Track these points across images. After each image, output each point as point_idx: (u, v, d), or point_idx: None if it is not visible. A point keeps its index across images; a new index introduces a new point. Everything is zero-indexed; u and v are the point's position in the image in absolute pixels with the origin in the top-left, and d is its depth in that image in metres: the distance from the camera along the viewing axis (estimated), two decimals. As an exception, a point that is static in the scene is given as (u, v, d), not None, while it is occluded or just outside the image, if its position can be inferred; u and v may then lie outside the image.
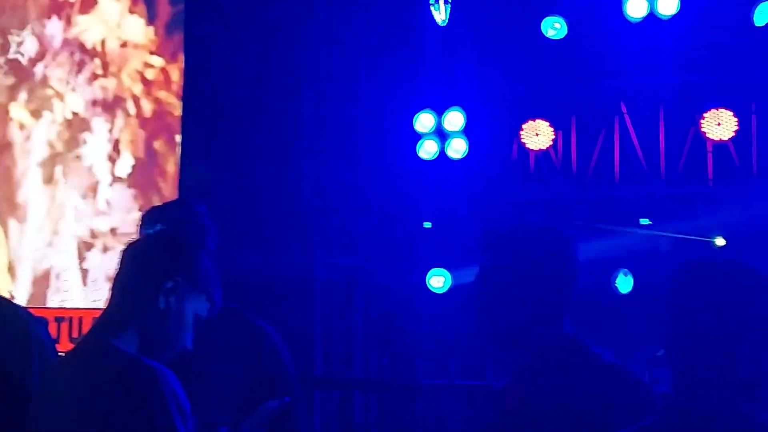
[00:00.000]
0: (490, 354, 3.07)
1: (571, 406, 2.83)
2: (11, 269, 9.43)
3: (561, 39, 8.97)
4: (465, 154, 9.32)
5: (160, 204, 3.88)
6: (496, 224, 3.30)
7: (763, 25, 8.44)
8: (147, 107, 9.57)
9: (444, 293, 8.95)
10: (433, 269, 9.06)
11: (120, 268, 3.03)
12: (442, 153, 9.33)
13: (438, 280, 9.02)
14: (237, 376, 3.59)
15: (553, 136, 9.05)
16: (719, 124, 8.55)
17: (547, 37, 8.95)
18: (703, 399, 2.31)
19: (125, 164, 9.52)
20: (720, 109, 8.59)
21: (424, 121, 9.39)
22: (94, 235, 9.43)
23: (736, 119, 8.56)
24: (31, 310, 3.61)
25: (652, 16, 8.59)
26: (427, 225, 9.56)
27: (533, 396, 2.94)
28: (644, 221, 9.02)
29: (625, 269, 8.75)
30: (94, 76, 9.63)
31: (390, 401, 9.53)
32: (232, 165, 9.18)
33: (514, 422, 2.96)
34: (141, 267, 3.00)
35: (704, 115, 8.61)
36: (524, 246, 3.03)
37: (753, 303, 2.32)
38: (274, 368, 3.68)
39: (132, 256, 3.06)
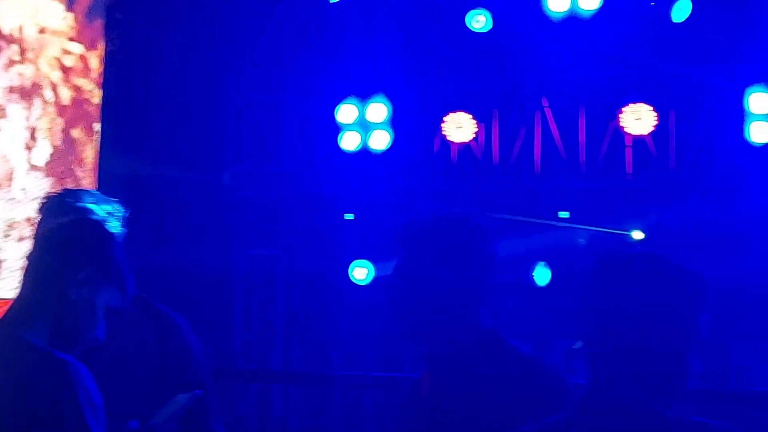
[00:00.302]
0: (407, 346, 3.05)
1: (487, 398, 2.83)
2: (-75, 259, 9.23)
3: (485, 32, 9.02)
4: (388, 146, 9.33)
5: (69, 190, 3.71)
6: (413, 216, 3.29)
7: (682, 21, 8.57)
8: (65, 95, 9.40)
9: (367, 285, 8.97)
10: (355, 261, 9.07)
11: (30, 257, 2.94)
12: (365, 145, 9.33)
13: (361, 272, 9.03)
14: (145, 368, 3.50)
15: (476, 129, 9.09)
16: (638, 119, 8.65)
17: (471, 30, 9.01)
18: (617, 392, 2.30)
19: (42, 152, 9.35)
20: (639, 104, 8.70)
21: (346, 113, 9.38)
22: (9, 224, 9.26)
23: (655, 114, 8.67)
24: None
25: (573, 12, 8.68)
26: (349, 217, 9.56)
27: (449, 388, 2.93)
28: (563, 214, 9.14)
29: (544, 262, 8.84)
30: (11, 63, 9.44)
31: (308, 393, 9.52)
32: (152, 154, 9.08)
33: (429, 414, 2.95)
34: (53, 257, 2.90)
35: (623, 109, 8.71)
36: (440, 238, 3.02)
37: (668, 295, 2.30)
38: (183, 360, 3.57)
39: (43, 245, 2.97)
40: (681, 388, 2.34)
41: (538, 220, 8.99)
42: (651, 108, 8.66)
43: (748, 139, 8.40)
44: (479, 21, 8.95)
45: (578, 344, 2.38)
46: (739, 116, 8.46)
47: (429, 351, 3.02)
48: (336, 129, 9.37)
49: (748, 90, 8.39)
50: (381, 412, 8.15)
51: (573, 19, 8.82)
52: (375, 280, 8.94)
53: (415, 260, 3.00)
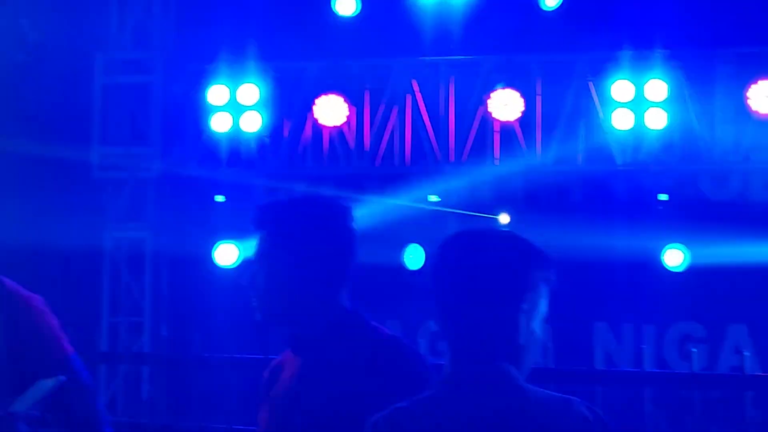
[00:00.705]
0: (269, 328, 3.02)
1: (349, 379, 2.85)
2: None
3: (354, 16, 9.05)
4: (260, 129, 9.28)
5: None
6: (273, 199, 3.28)
7: (551, 9, 8.74)
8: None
9: (236, 267, 8.94)
10: (222, 242, 9.02)
11: None
12: (236, 127, 9.25)
13: (227, 254, 9.02)
14: (1, 354, 3.35)
15: (347, 113, 9.09)
16: (506, 105, 8.77)
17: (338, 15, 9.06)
18: (473, 368, 2.36)
19: None
20: (507, 90, 8.81)
21: (217, 94, 9.28)
22: None
23: (522, 100, 8.79)
24: None
25: (443, -2, 8.80)
26: (220, 199, 9.49)
27: (311, 370, 2.95)
28: (432, 198, 9.24)
29: (416, 244, 8.95)
30: None
31: (175, 375, 9.45)
32: (19, 134, 8.89)
33: (291, 396, 2.96)
34: None
35: (491, 95, 8.81)
36: (300, 220, 3.01)
37: (510, 271, 2.36)
38: (37, 342, 3.42)
39: None
40: (531, 362, 2.42)
41: (409, 204, 9.09)
42: (518, 94, 8.78)
43: (611, 126, 8.63)
44: (346, 4, 9.02)
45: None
46: (603, 103, 8.72)
47: (290, 333, 3.02)
48: (208, 111, 9.29)
49: (612, 78, 8.62)
50: (246, 393, 8.15)
51: (443, 3, 8.92)
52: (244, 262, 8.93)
53: (273, 242, 3.00)
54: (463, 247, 2.44)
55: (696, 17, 8.63)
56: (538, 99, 8.96)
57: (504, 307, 2.37)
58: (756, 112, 8.41)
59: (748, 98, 8.42)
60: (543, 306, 2.41)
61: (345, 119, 9.14)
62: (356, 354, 2.90)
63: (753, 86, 8.39)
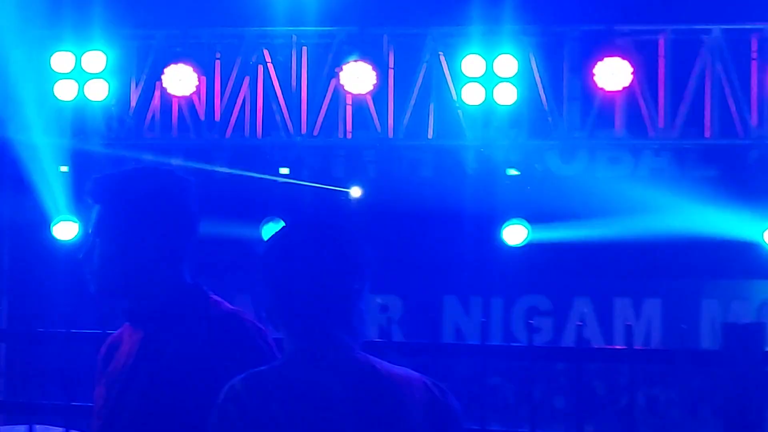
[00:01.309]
0: (105, 302, 3.01)
1: (189, 354, 2.86)
2: None
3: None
4: (107, 97, 9.08)
5: None
6: (110, 170, 3.27)
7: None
8: None
9: (75, 241, 8.80)
10: (61, 215, 8.82)
11: None
12: (82, 95, 9.04)
13: (68, 228, 8.86)
14: None
15: (197, 82, 8.99)
16: (358, 78, 8.75)
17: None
18: (317, 339, 2.54)
19: None
20: (359, 62, 8.79)
21: (61, 61, 9.05)
22: None
23: (374, 73, 8.78)
24: None
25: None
26: (64, 169, 9.28)
27: (150, 345, 2.93)
28: (283, 171, 9.25)
29: (274, 217, 8.95)
30: None
31: (14, 350, 9.40)
32: None
33: (130, 372, 2.94)
34: None
35: (344, 68, 8.78)
36: (137, 192, 2.98)
37: (340, 256, 2.57)
38: None
39: None
40: (364, 336, 2.61)
41: (262, 176, 9.08)
42: (371, 67, 8.78)
43: (461, 100, 8.74)
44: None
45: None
46: (454, 78, 8.80)
47: (128, 307, 3.00)
48: (52, 78, 9.08)
49: (463, 52, 8.70)
50: (85, 369, 8.05)
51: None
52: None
53: (109, 215, 2.96)
54: (296, 237, 2.62)
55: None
56: (391, 72, 9.01)
57: (338, 288, 2.58)
58: (601, 89, 8.61)
59: (593, 75, 8.60)
60: (367, 289, 2.62)
61: (194, 89, 9.02)
62: (196, 328, 2.91)
63: (599, 63, 8.57)
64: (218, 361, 2.84)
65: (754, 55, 8.67)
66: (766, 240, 8.76)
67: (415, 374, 2.63)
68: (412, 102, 8.96)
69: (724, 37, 8.59)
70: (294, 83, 9.14)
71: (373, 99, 8.98)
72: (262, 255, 2.65)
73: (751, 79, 8.71)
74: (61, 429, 5.98)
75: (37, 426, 6.83)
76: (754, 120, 8.62)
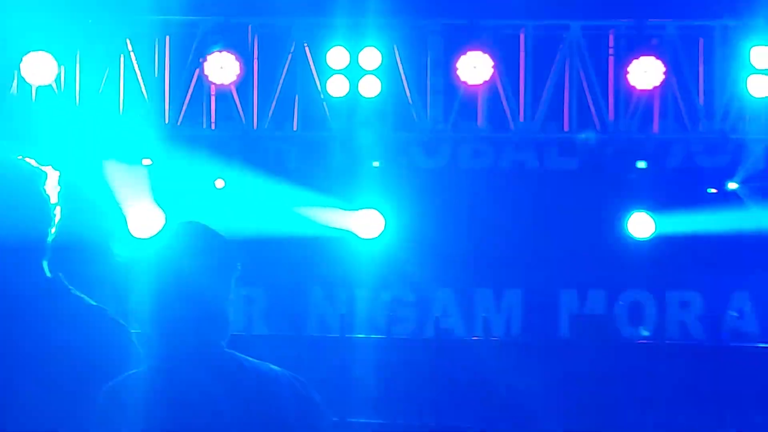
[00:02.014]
0: None
1: (51, 349, 2.89)
2: None
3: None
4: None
5: None
6: None
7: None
8: None
9: None
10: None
11: None
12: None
13: None
14: None
15: (56, 71, 8.79)
16: (222, 68, 8.68)
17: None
18: (182, 342, 2.66)
19: None
20: (224, 53, 8.72)
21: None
22: None
23: (238, 63, 8.73)
24: None
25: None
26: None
27: (12, 336, 2.94)
28: (146, 162, 9.18)
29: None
30: None
31: None
32: None
33: None
34: None
35: (208, 58, 8.71)
36: None
37: (209, 265, 2.70)
38: None
39: None
40: (225, 334, 2.71)
41: (122, 164, 8.96)
42: (234, 56, 8.73)
43: (326, 92, 8.76)
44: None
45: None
46: (319, 70, 8.81)
47: None
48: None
49: (328, 44, 8.74)
50: None
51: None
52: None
53: None
54: (165, 242, 2.76)
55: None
56: (255, 63, 8.99)
57: (205, 289, 2.72)
58: (464, 82, 8.71)
59: (456, 69, 8.69)
60: (233, 286, 2.74)
61: (53, 77, 8.83)
62: (58, 324, 2.95)
63: (461, 57, 8.67)
64: (82, 357, 2.90)
65: (611, 51, 8.92)
66: (629, 230, 9.03)
67: (279, 369, 2.73)
68: (277, 93, 8.94)
69: (583, 34, 8.84)
70: (157, 72, 9.03)
71: (238, 90, 8.94)
72: (138, 262, 2.77)
73: (608, 74, 8.95)
74: None
75: None
76: (611, 114, 8.86)
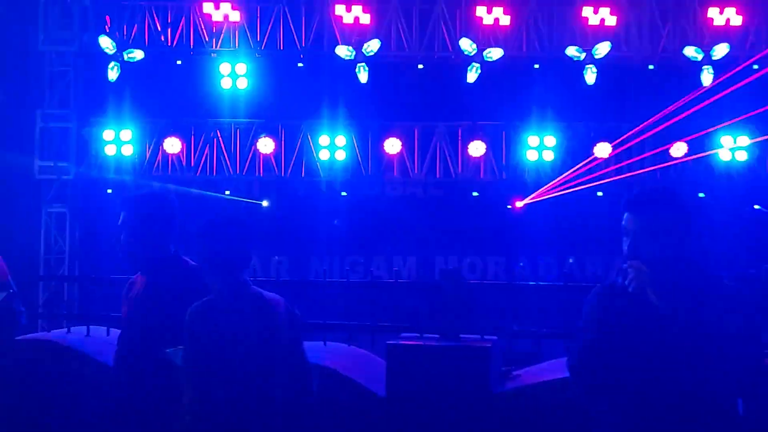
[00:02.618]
0: (130, 262, 5.25)
1: (167, 291, 4.76)
2: None
3: None
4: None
5: None
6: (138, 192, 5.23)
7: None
8: None
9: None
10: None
11: None
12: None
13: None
14: None
15: None
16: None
17: None
18: (228, 283, 4.43)
19: None
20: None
21: (107, 136, 14.89)
22: None
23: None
24: None
25: None
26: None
27: (150, 284, 4.90)
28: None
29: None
30: None
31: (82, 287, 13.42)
32: None
33: (138, 300, 4.95)
34: None
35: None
36: (142, 206, 4.88)
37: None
38: None
39: None
40: (248, 266, 4.41)
41: None
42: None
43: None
44: None
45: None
46: None
47: (140, 264, 4.87)
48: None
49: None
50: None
51: None
52: None
53: (130, 217, 4.82)
54: (210, 226, 4.48)
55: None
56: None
57: (240, 252, 4.42)
58: (388, 153, 15.79)
59: (383, 146, 15.69)
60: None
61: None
62: (173, 276, 4.74)
63: (387, 140, 15.36)
64: (181, 293, 4.51)
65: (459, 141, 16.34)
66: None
67: (280, 298, 4.39)
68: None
69: (447, 130, 16.25)
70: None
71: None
72: (196, 234, 4.23)
73: (458, 143, 16.26)
74: (104, 328, 7.88)
75: (91, 326, 8.09)
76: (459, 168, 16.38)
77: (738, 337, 3.59)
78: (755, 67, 15.32)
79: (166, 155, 15.28)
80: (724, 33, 15.18)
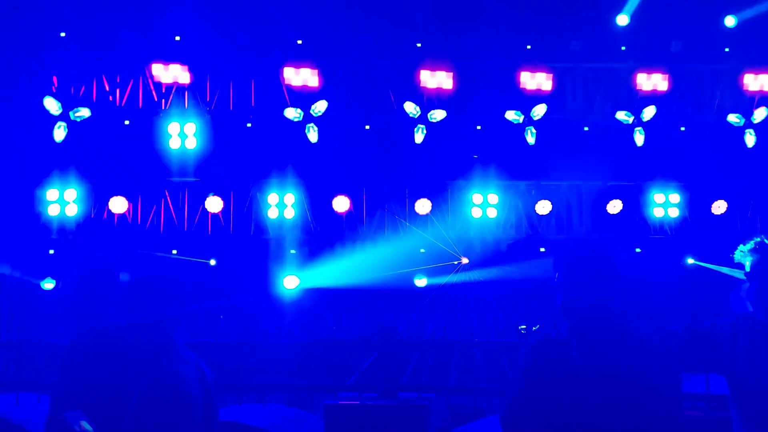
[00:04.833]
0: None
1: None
2: None
3: None
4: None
5: None
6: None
7: None
8: None
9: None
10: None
11: None
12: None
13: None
14: None
15: None
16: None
17: None
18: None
19: None
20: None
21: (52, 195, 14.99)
22: None
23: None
24: None
25: None
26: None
27: None
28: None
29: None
30: None
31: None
32: None
33: None
34: None
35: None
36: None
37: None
38: None
39: None
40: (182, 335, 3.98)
41: None
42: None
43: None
44: None
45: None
46: None
47: None
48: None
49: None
50: None
51: None
52: None
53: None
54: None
55: None
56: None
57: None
58: (337, 211, 15.81)
59: (333, 204, 15.81)
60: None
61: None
62: (109, 343, 4.32)
63: (336, 197, 15.84)
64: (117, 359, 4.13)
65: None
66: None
67: (192, 355, 4.08)
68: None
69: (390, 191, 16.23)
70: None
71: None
72: (125, 293, 3.93)
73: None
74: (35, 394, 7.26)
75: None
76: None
77: (657, 388, 3.62)
78: (682, 129, 15.63)
79: (111, 214, 14.86)
80: (652, 97, 15.42)
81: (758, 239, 4.23)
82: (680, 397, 3.79)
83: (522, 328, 15.49)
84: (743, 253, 4.23)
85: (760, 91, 15.40)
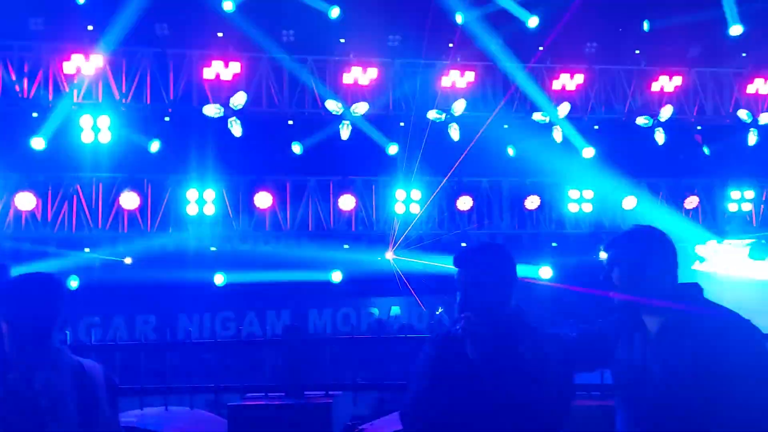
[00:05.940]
0: None
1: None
2: None
3: None
4: None
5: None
6: None
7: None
8: None
9: None
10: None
11: None
12: None
13: None
14: None
15: None
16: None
17: None
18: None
19: None
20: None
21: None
22: None
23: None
24: None
25: None
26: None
27: None
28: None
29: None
30: None
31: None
32: None
33: None
34: None
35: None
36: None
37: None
38: None
39: None
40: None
41: None
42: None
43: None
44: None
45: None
46: None
47: None
48: None
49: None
50: None
51: None
52: None
53: None
54: None
55: None
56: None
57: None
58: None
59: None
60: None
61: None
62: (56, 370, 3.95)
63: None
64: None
65: None
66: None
67: (99, 365, 4.00)
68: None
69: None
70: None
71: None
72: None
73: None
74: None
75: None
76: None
77: (548, 382, 3.66)
78: (596, 127, 15.70)
79: (18, 212, 13.78)
80: (567, 94, 15.41)
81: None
82: (572, 390, 3.83)
83: (439, 311, 15.19)
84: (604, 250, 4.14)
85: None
